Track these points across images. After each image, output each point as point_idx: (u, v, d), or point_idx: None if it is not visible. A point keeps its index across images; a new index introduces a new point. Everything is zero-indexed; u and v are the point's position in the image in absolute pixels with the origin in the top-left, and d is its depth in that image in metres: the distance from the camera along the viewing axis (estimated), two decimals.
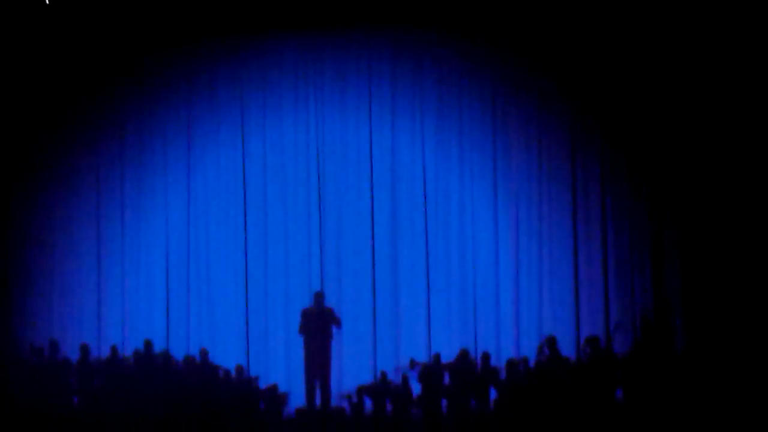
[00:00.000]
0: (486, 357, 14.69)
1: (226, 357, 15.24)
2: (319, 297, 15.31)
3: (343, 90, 15.99)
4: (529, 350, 14.81)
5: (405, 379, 14.73)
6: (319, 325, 15.18)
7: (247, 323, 15.59)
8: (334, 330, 15.20)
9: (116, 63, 15.92)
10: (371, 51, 15.89)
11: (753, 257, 14.78)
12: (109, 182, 16.11)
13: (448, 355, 14.75)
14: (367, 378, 15.11)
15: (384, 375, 14.81)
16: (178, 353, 15.22)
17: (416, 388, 14.66)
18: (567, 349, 14.74)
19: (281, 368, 15.50)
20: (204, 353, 15.04)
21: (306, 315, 15.27)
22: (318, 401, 15.06)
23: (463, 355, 14.66)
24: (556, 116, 15.60)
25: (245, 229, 15.82)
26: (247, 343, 15.50)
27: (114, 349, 15.14)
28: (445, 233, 15.69)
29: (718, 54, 14.85)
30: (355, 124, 15.92)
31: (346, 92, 15.98)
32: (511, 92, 15.77)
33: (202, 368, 14.97)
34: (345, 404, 14.84)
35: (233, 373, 15.01)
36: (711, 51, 14.88)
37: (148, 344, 15.13)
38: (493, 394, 14.53)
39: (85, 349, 15.13)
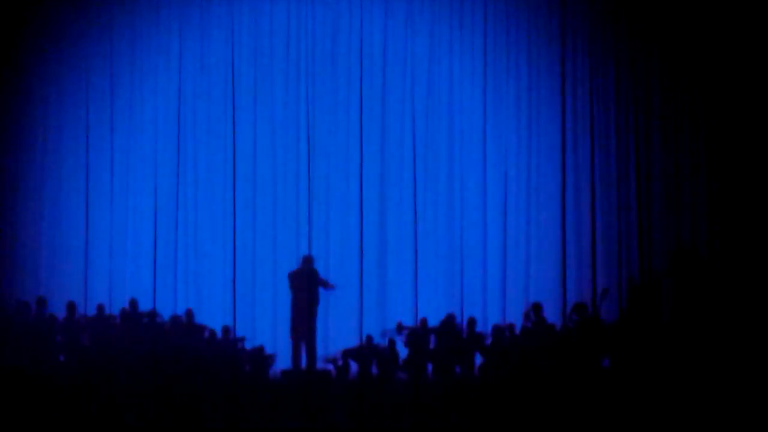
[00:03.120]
0: (472, 322, 14.69)
1: (213, 318, 15.22)
2: (307, 260, 15.28)
3: (334, 40, 15.92)
4: (515, 316, 14.83)
5: (391, 343, 14.74)
6: (305, 287, 15.17)
7: (234, 284, 15.57)
8: (321, 293, 15.19)
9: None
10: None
11: (741, 224, 14.81)
12: (99, 142, 16.02)
13: (435, 320, 14.76)
14: (353, 342, 15.09)
15: (370, 338, 14.81)
16: (165, 313, 15.20)
17: (402, 352, 14.69)
18: (553, 315, 14.75)
19: (267, 330, 15.49)
20: (190, 313, 15.02)
21: (293, 277, 15.27)
22: (303, 363, 15.07)
23: (449, 320, 14.66)
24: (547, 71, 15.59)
25: (234, 190, 15.79)
26: (234, 304, 15.51)
27: (100, 308, 15.12)
28: (433, 198, 15.68)
29: None
30: (346, 82, 15.85)
31: (337, 43, 15.90)
32: (501, 47, 15.72)
33: (188, 328, 14.94)
34: (330, 367, 14.85)
35: (219, 334, 15.00)
36: None
37: (134, 303, 15.13)
38: (479, 359, 14.55)
39: (71, 307, 15.10)
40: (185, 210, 15.87)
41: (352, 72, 15.86)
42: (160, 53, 16.03)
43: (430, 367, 14.58)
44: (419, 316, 15.05)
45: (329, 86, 15.93)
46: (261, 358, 14.85)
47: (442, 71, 15.80)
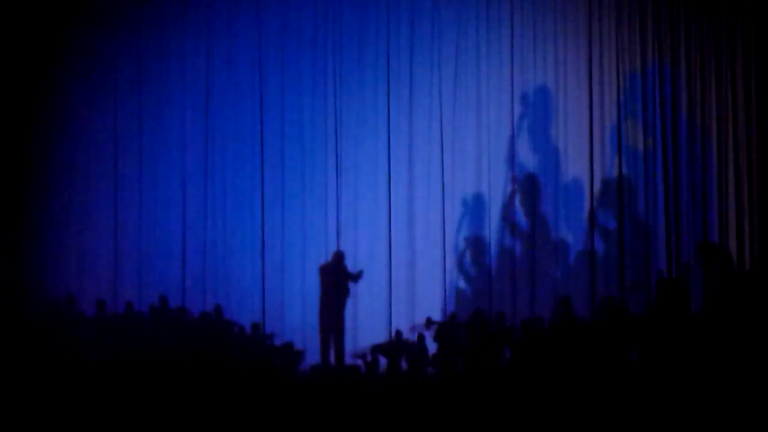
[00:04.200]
0: (500, 317, 14.73)
1: (242, 314, 15.30)
2: (337, 255, 15.34)
3: (360, 36, 15.98)
4: (545, 311, 14.86)
5: (420, 338, 14.79)
6: (334, 282, 15.23)
7: (263, 281, 15.56)
8: (351, 288, 15.23)
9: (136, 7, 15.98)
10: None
11: None
12: (128, 140, 16.08)
13: (464, 315, 14.80)
14: (382, 337, 15.12)
15: (399, 334, 14.86)
16: (194, 310, 15.27)
17: (431, 347, 14.73)
18: (582, 309, 14.77)
19: (296, 326, 15.49)
20: (219, 310, 15.10)
21: (322, 271, 15.32)
22: (332, 359, 15.10)
23: (478, 315, 14.70)
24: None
25: (262, 186, 15.78)
26: (263, 301, 15.48)
27: (129, 305, 15.21)
28: (461, 193, 15.66)
29: None
30: (373, 77, 15.88)
31: (365, 45, 15.96)
32: (528, 44, 15.76)
33: (217, 325, 15.01)
34: (359, 363, 14.88)
35: (248, 330, 15.07)
36: None
37: (164, 300, 15.22)
38: (507, 353, 14.56)
39: (101, 305, 15.20)
40: (213, 207, 15.88)
41: (379, 67, 15.87)
42: (187, 52, 16.07)
43: (459, 362, 14.62)
44: (448, 311, 15.09)
45: (356, 82, 15.91)
46: (290, 354, 14.91)
47: (470, 65, 15.79)
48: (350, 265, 15.40)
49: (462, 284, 15.45)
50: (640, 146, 15.36)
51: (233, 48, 15.98)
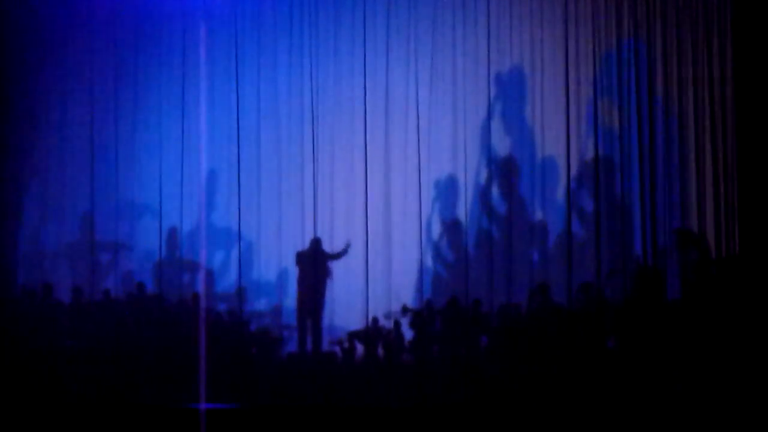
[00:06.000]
0: (477, 303, 14.73)
1: (219, 302, 15.30)
2: (314, 242, 15.33)
3: (337, 27, 15.89)
4: (522, 297, 14.86)
5: (397, 325, 14.80)
6: (312, 269, 15.22)
7: (240, 268, 15.52)
8: (328, 275, 15.22)
9: None
10: None
11: (750, 205, 14.71)
12: (103, 126, 15.95)
13: (440, 302, 14.79)
14: (359, 324, 15.10)
15: (375, 321, 14.87)
16: (171, 297, 15.28)
17: (408, 334, 14.75)
18: (559, 295, 14.75)
19: (273, 314, 15.45)
20: (196, 297, 15.10)
21: (300, 257, 15.33)
22: (309, 346, 15.11)
23: (455, 302, 14.70)
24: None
25: (238, 173, 15.66)
26: (240, 288, 15.41)
27: (107, 293, 15.21)
28: (438, 180, 15.60)
29: None
30: (350, 62, 15.78)
31: (341, 30, 15.87)
32: (504, 25, 15.69)
33: (194, 312, 15.02)
34: (336, 349, 14.91)
35: (225, 318, 15.08)
36: None
37: (141, 287, 15.22)
38: (484, 340, 14.57)
39: (77, 292, 15.21)
40: (190, 194, 15.77)
41: (355, 51, 15.76)
42: (162, 38, 15.96)
43: (435, 349, 14.64)
44: (425, 298, 15.07)
45: (333, 67, 15.80)
46: (267, 341, 14.95)
47: (446, 48, 15.70)
48: (327, 249, 15.36)
49: (438, 270, 15.40)
50: (616, 125, 15.27)
51: (208, 35, 15.84)
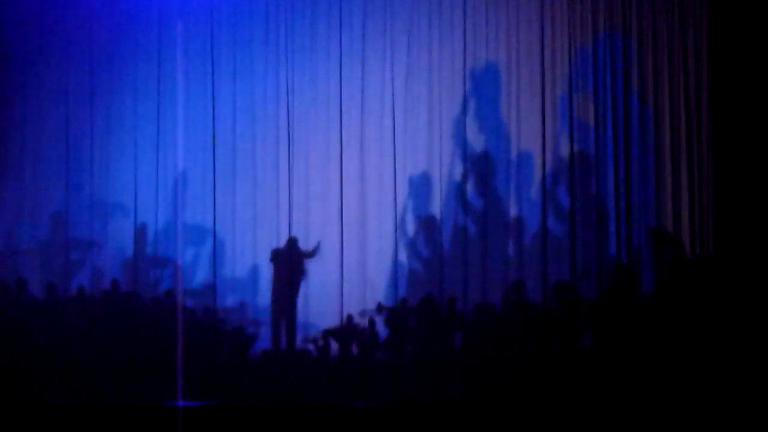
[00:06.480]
0: (452, 301, 14.74)
1: (193, 299, 15.26)
2: (289, 240, 15.31)
3: (313, 20, 15.83)
4: (497, 294, 14.86)
5: (371, 323, 14.80)
6: (287, 267, 15.21)
7: (214, 265, 15.49)
8: (303, 273, 15.21)
9: None
10: None
11: (723, 204, 14.74)
12: (79, 120, 15.87)
13: (415, 301, 14.79)
14: (333, 322, 15.08)
15: (350, 318, 14.86)
16: (145, 295, 15.23)
17: (382, 332, 14.75)
18: (534, 294, 14.77)
19: (248, 311, 15.42)
20: (170, 294, 15.07)
21: (275, 254, 15.30)
22: (284, 343, 15.10)
23: (429, 300, 14.71)
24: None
25: (213, 168, 15.61)
26: (215, 286, 15.39)
27: (81, 289, 15.17)
28: (413, 179, 15.56)
29: None
30: (326, 55, 15.73)
31: (317, 22, 15.82)
32: (480, 19, 15.64)
33: (168, 309, 14.99)
34: (311, 347, 14.91)
35: (199, 315, 15.05)
36: None
37: (115, 284, 15.17)
38: (459, 338, 14.58)
39: (51, 289, 15.16)
40: (165, 190, 15.73)
41: (331, 44, 15.74)
42: (139, 32, 15.88)
43: (410, 347, 14.65)
44: (399, 296, 15.06)
45: (308, 61, 15.77)
46: (241, 338, 14.93)
47: (422, 42, 15.67)
48: (303, 247, 15.34)
49: (413, 267, 15.38)
50: (591, 120, 15.27)
51: (185, 27, 15.76)
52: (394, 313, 14.83)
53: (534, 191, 15.36)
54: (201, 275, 15.55)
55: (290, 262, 15.22)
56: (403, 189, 15.52)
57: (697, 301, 14.25)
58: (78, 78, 15.87)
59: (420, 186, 15.57)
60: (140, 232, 15.62)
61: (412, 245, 15.44)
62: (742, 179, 14.58)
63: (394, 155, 15.53)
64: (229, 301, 15.43)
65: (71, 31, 15.87)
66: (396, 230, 15.37)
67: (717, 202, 14.79)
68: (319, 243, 15.32)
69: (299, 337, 15.12)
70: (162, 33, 15.82)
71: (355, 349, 14.74)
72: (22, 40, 15.78)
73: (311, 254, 15.31)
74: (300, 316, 15.22)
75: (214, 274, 15.44)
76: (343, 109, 15.60)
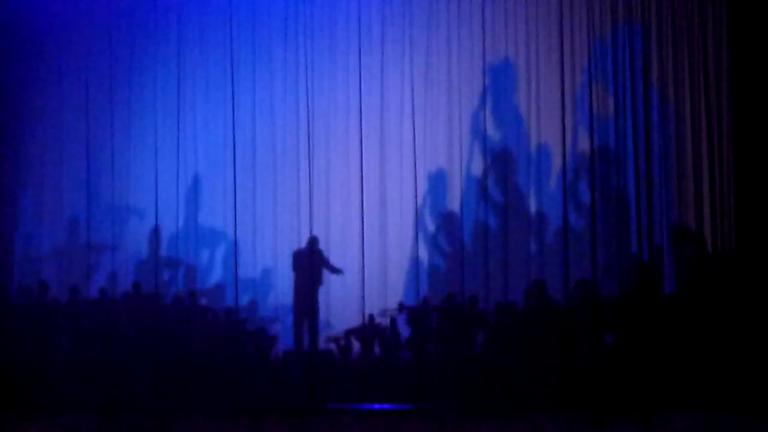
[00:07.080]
0: (473, 300, 14.73)
1: (215, 300, 15.28)
2: (311, 241, 15.30)
3: (332, 20, 15.79)
4: (518, 293, 14.84)
5: (393, 322, 14.81)
6: (309, 267, 15.21)
7: (235, 266, 15.47)
8: (324, 273, 15.21)
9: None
10: None
11: (745, 200, 14.67)
12: (99, 124, 15.82)
13: (436, 300, 14.79)
14: (355, 321, 15.08)
15: (372, 318, 14.87)
16: (167, 296, 15.25)
17: (404, 331, 14.75)
18: (555, 293, 14.74)
19: (270, 312, 15.43)
20: (192, 295, 15.09)
21: (296, 256, 15.30)
22: (306, 344, 15.11)
23: (451, 299, 14.71)
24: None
25: (234, 170, 15.57)
26: (236, 287, 15.37)
27: (102, 291, 15.20)
28: (433, 174, 15.53)
29: None
30: (345, 56, 15.69)
31: (336, 24, 15.77)
32: (499, 15, 15.59)
33: (190, 310, 15.02)
34: (333, 347, 14.92)
35: (221, 317, 15.07)
36: None
37: (137, 286, 15.18)
38: (480, 337, 14.59)
39: (74, 291, 15.19)
40: (186, 191, 15.68)
41: (350, 45, 15.70)
42: (159, 35, 15.84)
43: (432, 346, 14.66)
44: (421, 295, 15.05)
45: (328, 61, 15.73)
46: (263, 338, 14.96)
47: (441, 40, 15.61)
48: (323, 248, 15.33)
49: (434, 266, 15.36)
50: (611, 114, 15.20)
51: (204, 31, 15.74)
52: (416, 312, 14.83)
53: (554, 186, 15.31)
54: (221, 276, 15.53)
55: (311, 264, 15.22)
56: (422, 186, 15.49)
57: (720, 298, 14.23)
58: (98, 82, 15.81)
59: (440, 183, 15.54)
60: (160, 234, 15.60)
61: (432, 243, 15.42)
62: (763, 174, 14.51)
63: (414, 152, 15.49)
64: (251, 301, 15.41)
65: (91, 37, 15.82)
66: (416, 228, 15.34)
67: (738, 198, 14.72)
68: (341, 270, 15.33)
69: (322, 338, 15.12)
70: (181, 35, 15.79)
71: (377, 349, 14.76)
72: (42, 44, 15.78)
73: (335, 271, 15.29)
74: (321, 316, 15.23)
75: (235, 274, 15.39)
76: (362, 108, 15.56)
